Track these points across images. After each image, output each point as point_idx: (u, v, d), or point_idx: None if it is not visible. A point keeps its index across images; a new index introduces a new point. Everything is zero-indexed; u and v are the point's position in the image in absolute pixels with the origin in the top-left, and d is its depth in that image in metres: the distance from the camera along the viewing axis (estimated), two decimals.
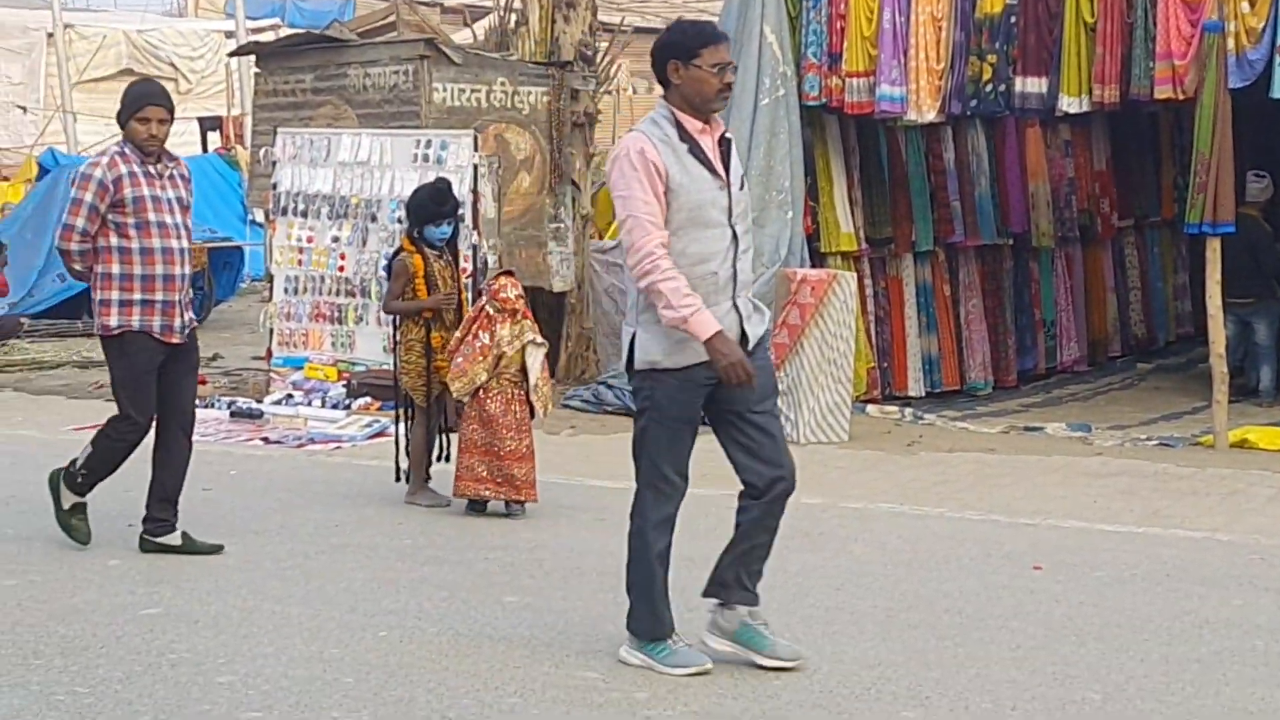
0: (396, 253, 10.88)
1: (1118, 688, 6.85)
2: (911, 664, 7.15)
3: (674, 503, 7.22)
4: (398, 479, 10.82)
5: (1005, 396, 16.55)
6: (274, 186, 15.44)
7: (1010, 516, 10.55)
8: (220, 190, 28.25)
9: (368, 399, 14.46)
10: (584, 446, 13.16)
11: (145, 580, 8.49)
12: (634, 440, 7.20)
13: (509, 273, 10.80)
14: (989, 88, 14.64)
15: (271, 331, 15.54)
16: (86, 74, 41.40)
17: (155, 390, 9.12)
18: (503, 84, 16.29)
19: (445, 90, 15.94)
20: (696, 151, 6.81)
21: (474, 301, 10.96)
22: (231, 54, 28.08)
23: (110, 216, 8.96)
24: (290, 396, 14.86)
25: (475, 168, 14.62)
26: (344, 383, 14.85)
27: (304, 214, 15.30)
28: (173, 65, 42.76)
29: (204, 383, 15.90)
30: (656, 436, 7.12)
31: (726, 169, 6.88)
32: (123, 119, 9.05)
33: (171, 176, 9.15)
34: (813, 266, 14.62)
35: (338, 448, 13.26)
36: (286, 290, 15.39)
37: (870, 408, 14.94)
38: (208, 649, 7.21)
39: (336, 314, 15.14)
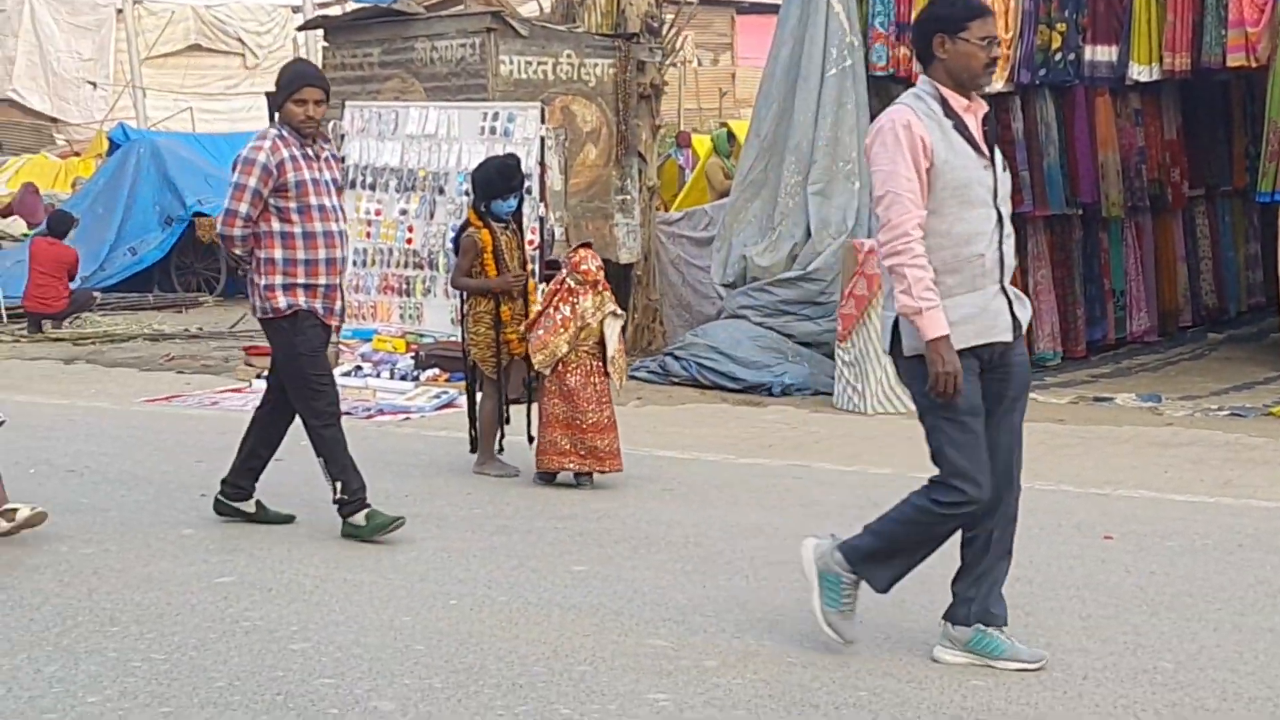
0: (463, 227, 10.89)
1: (1190, 657, 6.82)
2: None
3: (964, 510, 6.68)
4: (472, 450, 10.87)
5: (1074, 367, 16.46)
6: (342, 160, 15.49)
7: (1080, 487, 10.51)
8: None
9: (436, 370, 14.51)
10: (651, 417, 13.18)
11: (219, 549, 8.56)
12: (927, 433, 6.68)
13: (588, 245, 10.81)
14: (1058, 56, 14.56)
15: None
16: (155, 49, 41.69)
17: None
18: (569, 56, 16.30)
19: (512, 63, 15.96)
20: (961, 129, 6.55)
21: (537, 273, 10.96)
22: (299, 28, 28.17)
23: (272, 201, 8.78)
24: (359, 368, 14.93)
25: (542, 140, 14.64)
26: (412, 354, 14.91)
27: (372, 187, 15.37)
28: (240, 40, 43.03)
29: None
30: (938, 426, 6.61)
31: (991, 149, 6.64)
32: (278, 101, 8.90)
33: (327, 159, 9.03)
34: None
35: (406, 419, 13.32)
36: (355, 263, 15.43)
37: None
38: (281, 617, 7.27)
39: (405, 286, 15.20)
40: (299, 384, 8.93)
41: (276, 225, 8.81)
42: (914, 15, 14.32)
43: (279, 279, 8.81)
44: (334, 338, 9.50)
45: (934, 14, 6.65)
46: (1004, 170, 6.70)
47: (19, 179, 31.95)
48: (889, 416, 13.19)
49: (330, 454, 8.88)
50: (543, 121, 14.78)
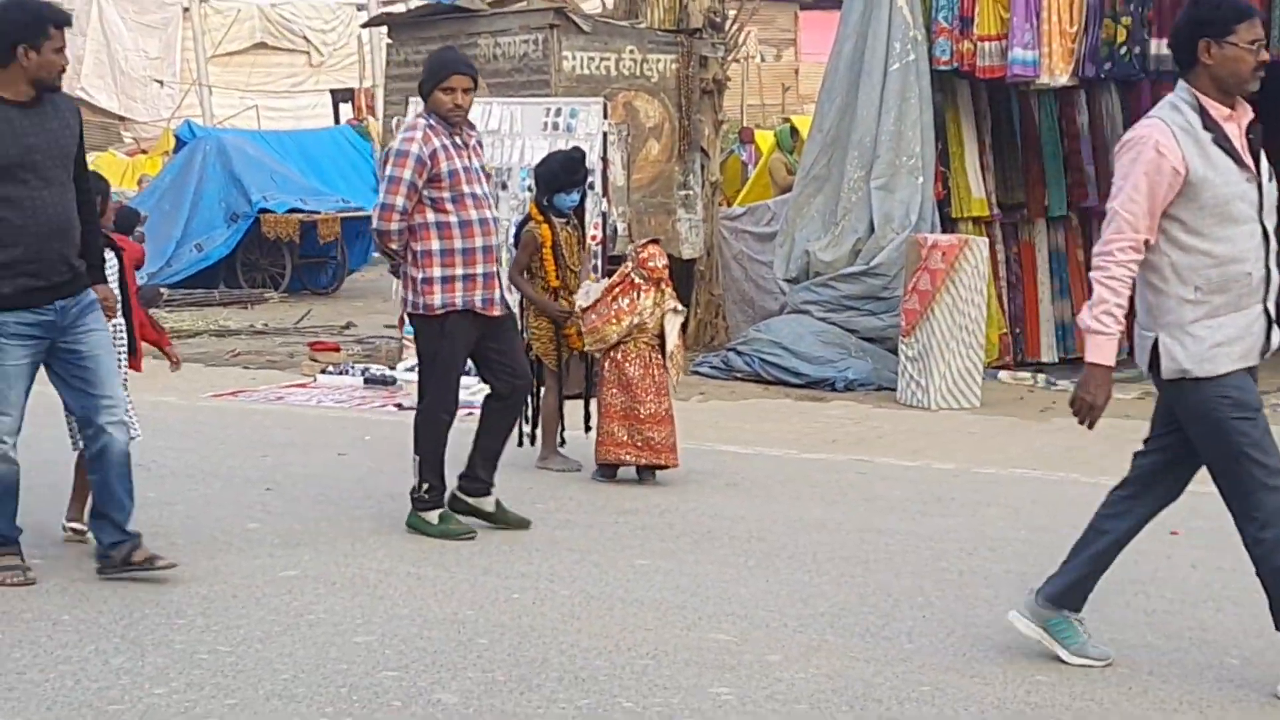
0: (524, 221, 10.91)
1: (1257, 653, 6.78)
2: None
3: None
4: (520, 444, 10.88)
5: None
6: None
7: None
8: (353, 161, 28.48)
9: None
10: (713, 412, 13.18)
11: (283, 543, 8.60)
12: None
13: (655, 241, 10.81)
14: (1123, 50, 14.49)
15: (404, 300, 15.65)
16: (221, 48, 41.92)
17: (462, 372, 9.09)
18: (632, 52, 16.31)
19: (575, 58, 15.98)
20: (1222, 141, 6.20)
21: (600, 268, 10.95)
22: (363, 26, 28.36)
23: (426, 192, 8.67)
24: None
25: (605, 135, 14.64)
26: None
27: None
28: (305, 38, 43.23)
29: (338, 350, 16.10)
30: (1232, 438, 6.38)
31: (1256, 160, 6.30)
32: (425, 90, 8.81)
33: (474, 145, 8.93)
34: (943, 232, 14.54)
35: (470, 413, 13.30)
36: None
37: (1002, 374, 14.86)
38: (345, 610, 7.30)
39: None
40: (430, 378, 8.99)
41: (432, 216, 8.71)
42: (975, 8, 14.29)
43: (437, 270, 8.70)
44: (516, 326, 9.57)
45: (1197, 17, 6.30)
46: (1270, 180, 6.35)
47: None
48: (952, 412, 13.15)
49: (426, 453, 8.93)
50: (605, 117, 14.78)
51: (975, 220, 15.37)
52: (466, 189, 8.74)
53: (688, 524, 9.16)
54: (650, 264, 10.33)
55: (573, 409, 11.00)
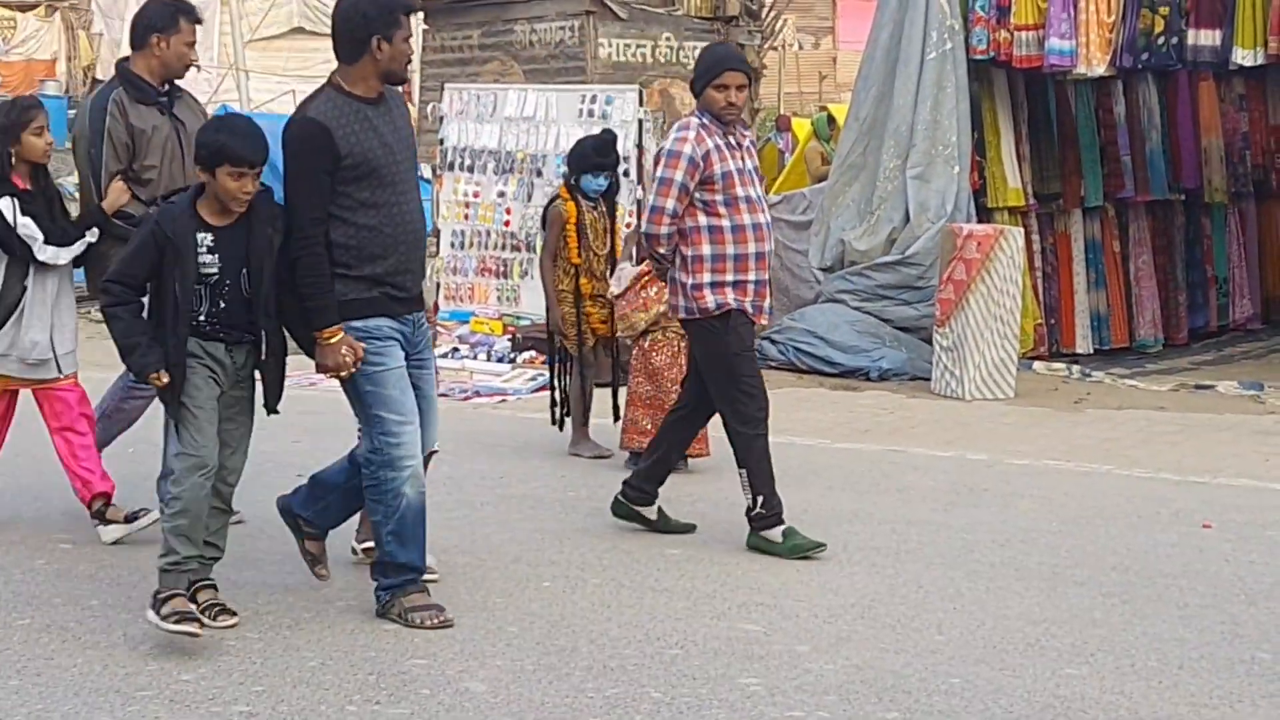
0: (552, 199, 10.95)
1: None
2: (1077, 621, 7.08)
3: None
4: (553, 422, 10.89)
5: (1175, 354, 16.32)
6: (441, 142, 15.56)
7: (1179, 474, 10.41)
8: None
9: (533, 353, 14.53)
10: None
11: None
12: None
13: None
14: (1161, 40, 14.42)
15: (438, 286, 15.68)
16: (258, 33, 41.93)
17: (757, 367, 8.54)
18: (668, 39, 16.30)
19: (611, 45, 15.98)
20: None
21: (634, 255, 10.92)
22: None
23: (698, 195, 8.25)
24: (456, 350, 14.98)
25: (640, 123, 14.63)
26: (509, 336, 14.95)
27: (470, 169, 15.41)
28: None
29: None
30: None
31: None
32: (698, 87, 8.37)
33: (748, 147, 8.48)
34: (979, 222, 14.48)
35: (503, 401, 13.36)
36: (453, 245, 15.51)
37: (1037, 364, 14.81)
38: (373, 598, 7.29)
39: (502, 268, 15.24)
40: (727, 386, 8.34)
41: (703, 220, 8.28)
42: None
43: (707, 276, 8.26)
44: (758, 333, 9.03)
45: None
46: None
47: None
48: (986, 402, 13.11)
49: (754, 466, 8.33)
50: (641, 104, 14.77)
51: (1011, 210, 15.32)
52: (740, 192, 8.28)
53: (719, 513, 9.13)
54: None
55: (601, 397, 10.99)
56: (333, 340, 6.89)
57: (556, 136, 14.93)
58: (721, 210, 8.27)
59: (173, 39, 8.44)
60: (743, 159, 8.37)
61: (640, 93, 14.94)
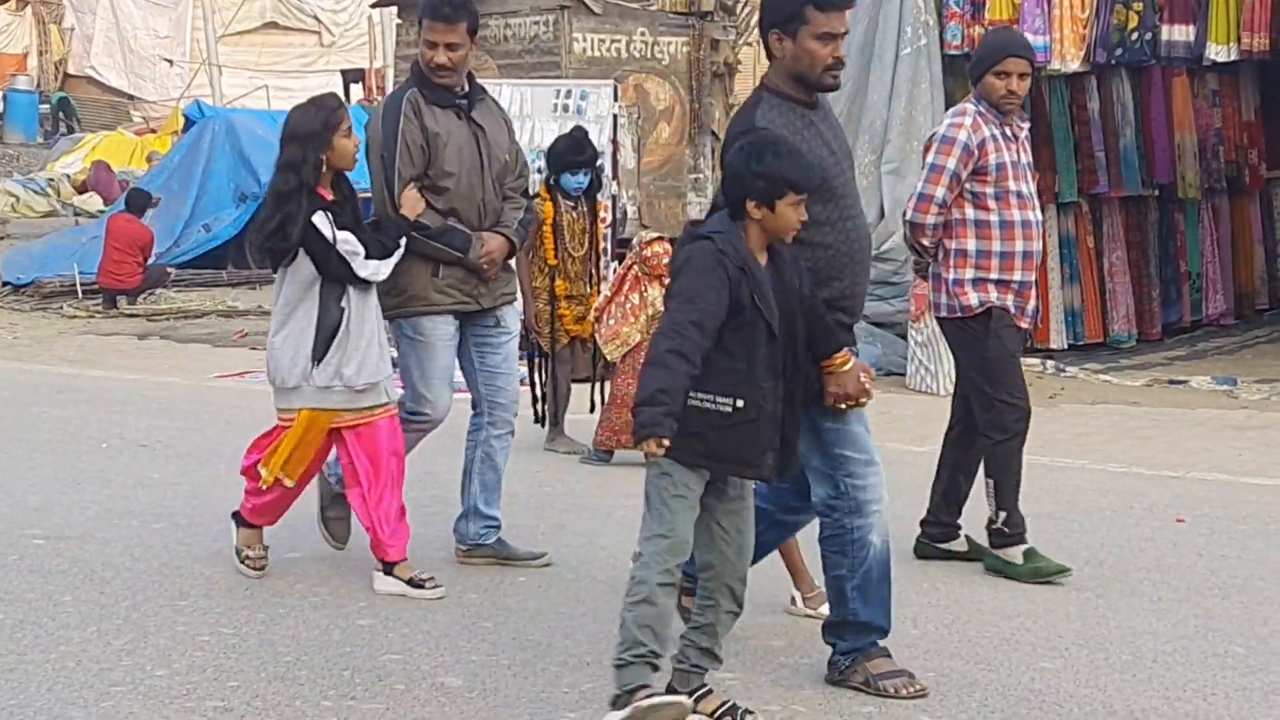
0: (532, 198, 10.93)
1: (1261, 640, 6.77)
2: (1051, 615, 7.10)
3: None
4: (536, 419, 10.91)
5: (1149, 349, 16.35)
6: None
7: (1153, 469, 10.44)
8: (362, 141, 28.42)
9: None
10: None
11: (287, 525, 8.54)
12: None
13: (662, 238, 10.81)
14: (1134, 36, 14.45)
15: None
16: (231, 27, 41.82)
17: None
18: (643, 34, 16.29)
19: (585, 40, 15.96)
20: None
21: (609, 251, 10.95)
22: (373, 5, 28.18)
23: (968, 185, 7.77)
24: None
25: (615, 118, 14.63)
26: None
27: None
28: (316, 18, 43.14)
29: None
30: None
31: None
32: (976, 73, 7.93)
33: (1024, 140, 8.01)
34: None
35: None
36: None
37: None
38: (349, 592, 7.29)
39: None
40: (986, 392, 7.89)
41: (971, 213, 7.82)
42: None
43: (969, 273, 7.80)
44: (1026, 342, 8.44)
45: None
46: None
47: (95, 155, 32.19)
48: None
49: (1003, 478, 7.88)
50: (616, 99, 14.78)
51: None
52: (1012, 186, 7.80)
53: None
54: (652, 261, 10.31)
55: (579, 392, 10.99)
56: (846, 366, 6.04)
57: (531, 131, 14.91)
58: (991, 204, 7.79)
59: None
60: (1018, 152, 7.91)
61: (615, 88, 14.94)
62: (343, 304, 7.16)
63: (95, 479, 9.68)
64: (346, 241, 7.11)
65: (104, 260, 19.16)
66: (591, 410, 10.86)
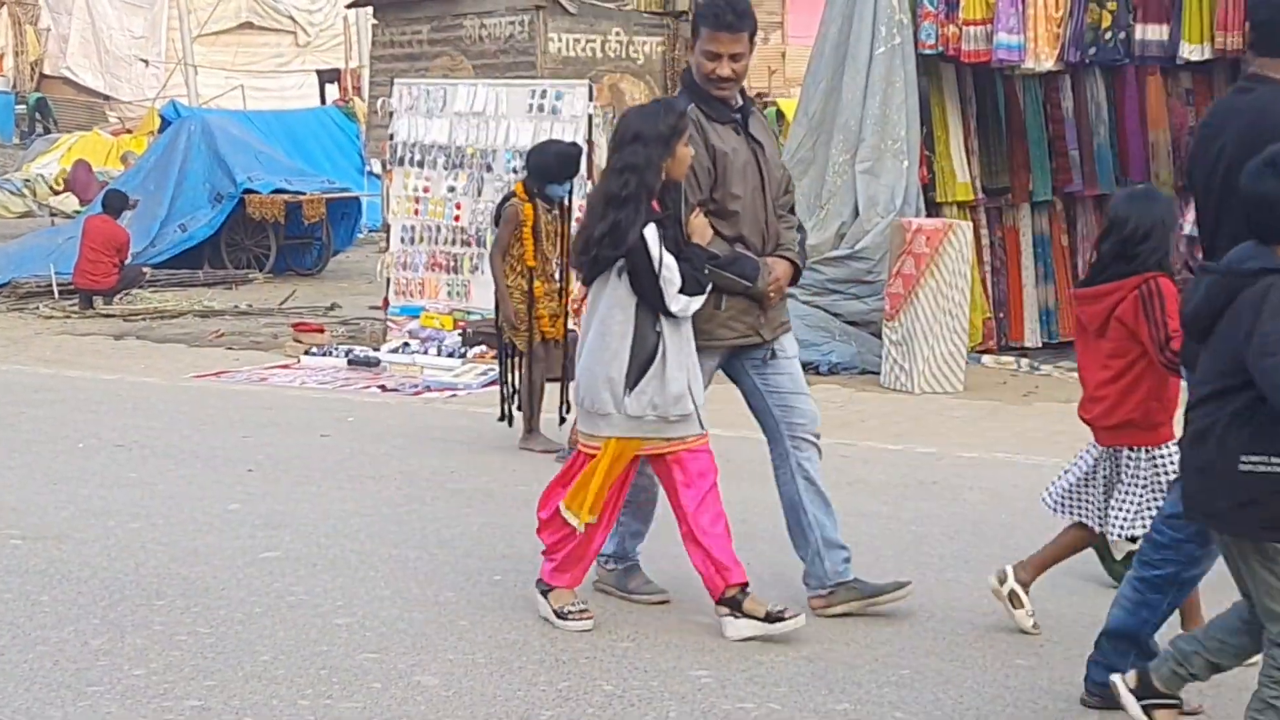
0: (508, 197, 10.95)
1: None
2: None
3: None
4: (501, 417, 10.92)
5: None
6: (391, 137, 15.53)
7: None
8: (338, 142, 28.45)
9: (483, 347, 14.52)
10: None
11: (265, 524, 8.59)
12: None
13: None
14: (1108, 35, 14.48)
15: (388, 281, 15.66)
16: (207, 27, 41.84)
17: None
18: (618, 34, 16.31)
19: (560, 40, 15.98)
20: None
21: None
22: (349, 6, 28.19)
23: None
24: (407, 345, 14.97)
25: (590, 118, 14.63)
26: (459, 331, 14.94)
27: (420, 164, 15.38)
28: (291, 18, 43.16)
29: (322, 331, 16.08)
30: None
31: None
32: None
33: None
34: (928, 216, 14.53)
35: (453, 395, 13.35)
36: (403, 240, 15.49)
37: (986, 358, 14.86)
38: (325, 591, 7.30)
39: (452, 263, 15.22)
40: None
41: None
42: None
43: None
44: None
45: None
46: None
47: (72, 156, 32.16)
48: (935, 396, 13.15)
49: None
50: (591, 99, 14.77)
51: (960, 204, 15.35)
52: None
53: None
54: None
55: (551, 392, 11.01)
56: None
57: (506, 131, 14.92)
58: None
59: (696, 43, 7.06)
60: None
61: (590, 88, 14.94)
62: (657, 328, 6.62)
63: (72, 479, 9.67)
64: (669, 268, 6.54)
65: (80, 261, 19.11)
66: (565, 410, 10.87)
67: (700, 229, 6.77)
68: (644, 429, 6.68)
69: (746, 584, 6.79)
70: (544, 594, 6.92)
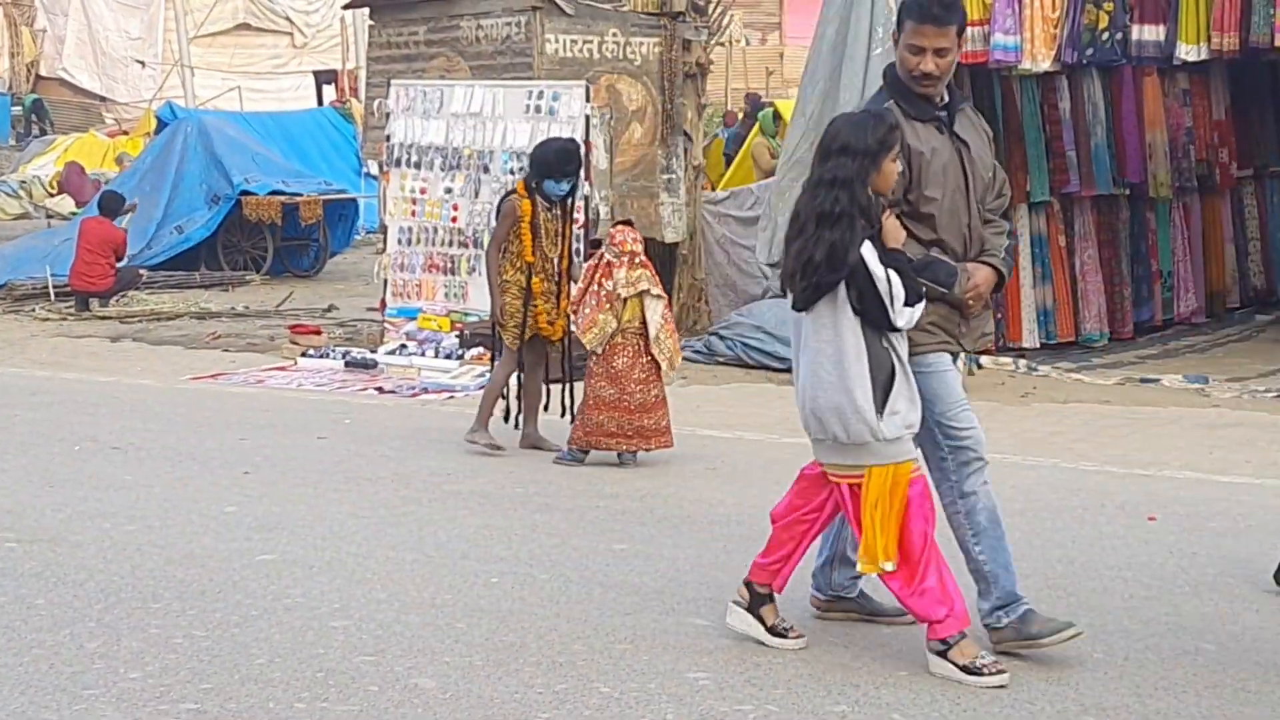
0: (508, 194, 10.96)
1: (1233, 638, 6.79)
2: None
3: None
4: (506, 419, 10.92)
5: (1121, 348, 16.38)
6: (388, 139, 15.52)
7: (1125, 467, 10.47)
8: (335, 143, 28.43)
9: (480, 349, 14.52)
10: (695, 396, 13.17)
11: (261, 527, 8.58)
12: None
13: (628, 222, 10.87)
14: (1105, 36, 14.48)
15: (385, 283, 15.64)
16: (204, 29, 41.83)
17: None
18: (615, 35, 16.27)
19: (557, 41, 15.94)
20: None
21: (582, 252, 10.99)
22: (346, 7, 28.15)
23: None
24: (404, 347, 14.96)
25: (587, 119, 14.62)
26: (457, 333, 14.93)
27: (417, 165, 15.37)
28: (288, 19, 43.15)
29: (319, 333, 16.07)
30: None
31: None
32: None
33: None
34: None
35: (450, 397, 13.34)
36: (400, 241, 15.47)
37: (984, 359, 14.85)
38: (322, 594, 7.29)
39: (449, 265, 15.21)
40: None
41: None
42: None
43: None
44: None
45: None
46: None
47: (68, 158, 32.13)
48: None
49: None
50: (588, 100, 14.76)
51: None
52: None
53: (667, 508, 9.15)
54: (619, 239, 10.37)
55: (550, 394, 11.02)
56: None
57: (503, 133, 14.91)
58: None
59: (900, 37, 6.74)
60: None
61: (587, 89, 14.92)
62: (884, 344, 6.30)
63: (68, 481, 9.66)
64: (895, 284, 6.23)
65: (76, 262, 19.10)
66: (563, 414, 10.88)
67: (893, 232, 6.42)
68: (904, 450, 6.35)
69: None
70: (942, 654, 6.33)
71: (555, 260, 10.86)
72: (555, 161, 10.72)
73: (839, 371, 6.30)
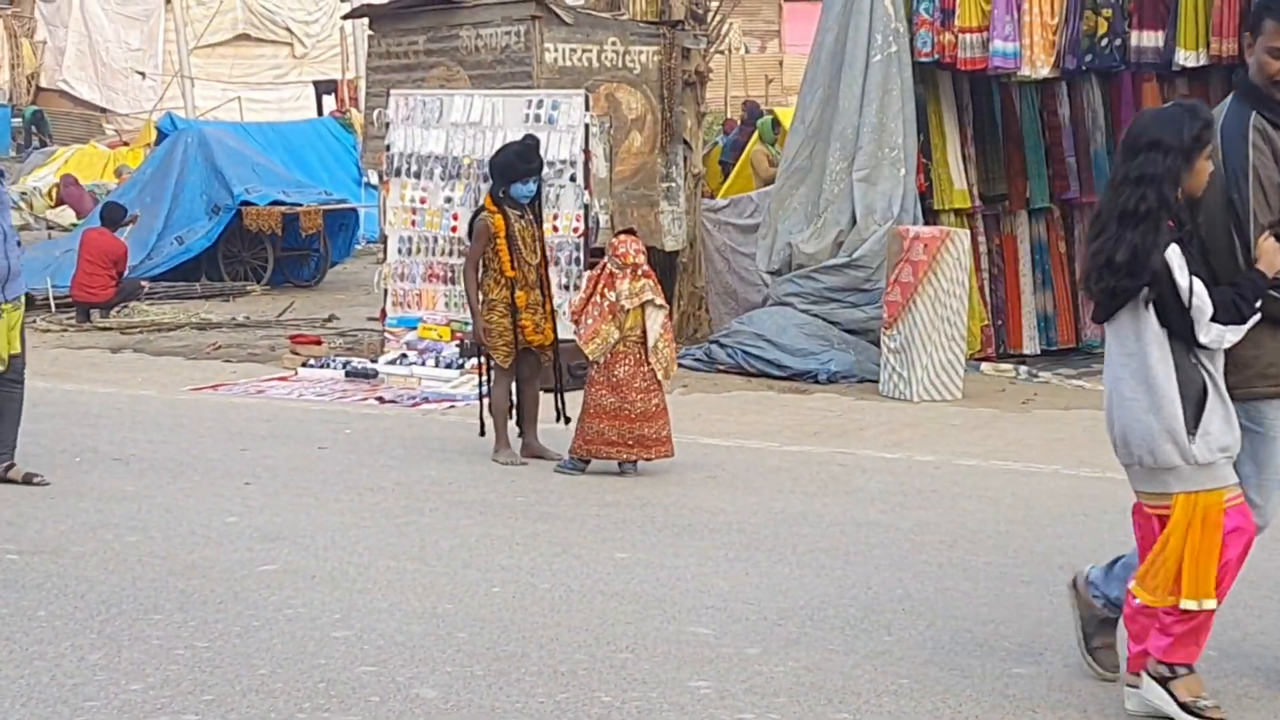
0: (478, 212, 10.91)
1: (1234, 644, 6.79)
2: (1024, 620, 7.11)
3: None
4: (481, 433, 10.89)
5: None
6: (387, 148, 15.51)
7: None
8: (335, 153, 28.45)
9: (479, 359, 14.51)
10: (696, 405, 13.16)
11: (262, 537, 8.58)
12: None
13: (631, 231, 10.85)
14: (1104, 42, 14.49)
15: (386, 292, 15.63)
16: (203, 39, 41.84)
17: None
18: (614, 43, 16.27)
19: (556, 50, 15.94)
20: None
21: (582, 260, 10.97)
22: (345, 17, 28.21)
23: None
24: (404, 356, 14.95)
25: (587, 127, 14.62)
26: (457, 342, 14.92)
27: (417, 175, 15.36)
28: (288, 29, 43.15)
29: (319, 343, 16.07)
30: None
31: None
32: None
33: None
34: (926, 224, 14.53)
35: (451, 406, 13.34)
36: (400, 251, 15.46)
37: (984, 366, 14.86)
38: (323, 604, 7.29)
39: (449, 274, 15.19)
40: None
41: None
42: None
43: None
44: None
45: None
46: None
47: (68, 169, 32.12)
48: (934, 404, 13.14)
49: None
50: (587, 109, 14.76)
51: (957, 212, 15.36)
52: None
53: (669, 517, 9.15)
54: (621, 250, 10.35)
55: (545, 401, 11.01)
56: None
57: (503, 142, 14.86)
58: None
59: (1257, 40, 6.10)
60: None
61: (586, 97, 14.93)
62: (1193, 359, 5.82)
63: (69, 492, 9.66)
64: (1198, 295, 5.76)
65: (77, 274, 19.10)
66: (558, 420, 10.87)
67: (1270, 254, 5.86)
68: (1218, 476, 5.85)
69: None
70: (1162, 683, 5.94)
71: (535, 266, 10.83)
72: (517, 161, 10.69)
73: (1145, 389, 5.89)
